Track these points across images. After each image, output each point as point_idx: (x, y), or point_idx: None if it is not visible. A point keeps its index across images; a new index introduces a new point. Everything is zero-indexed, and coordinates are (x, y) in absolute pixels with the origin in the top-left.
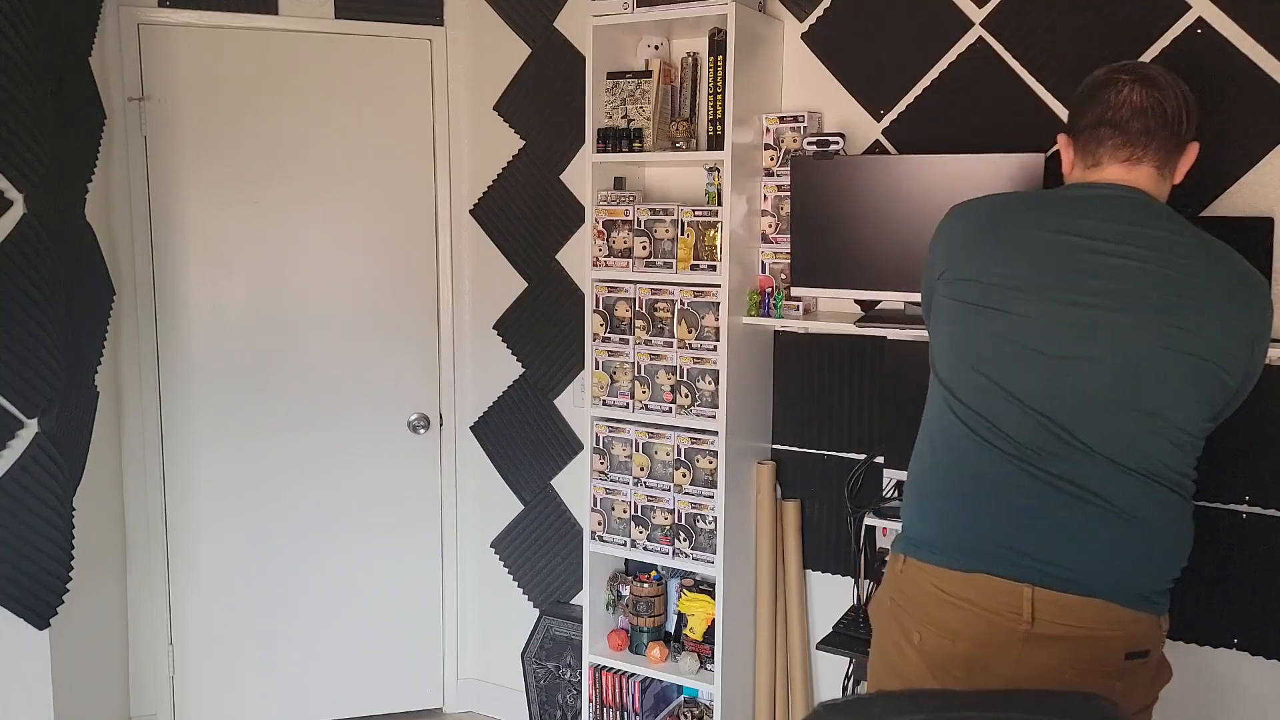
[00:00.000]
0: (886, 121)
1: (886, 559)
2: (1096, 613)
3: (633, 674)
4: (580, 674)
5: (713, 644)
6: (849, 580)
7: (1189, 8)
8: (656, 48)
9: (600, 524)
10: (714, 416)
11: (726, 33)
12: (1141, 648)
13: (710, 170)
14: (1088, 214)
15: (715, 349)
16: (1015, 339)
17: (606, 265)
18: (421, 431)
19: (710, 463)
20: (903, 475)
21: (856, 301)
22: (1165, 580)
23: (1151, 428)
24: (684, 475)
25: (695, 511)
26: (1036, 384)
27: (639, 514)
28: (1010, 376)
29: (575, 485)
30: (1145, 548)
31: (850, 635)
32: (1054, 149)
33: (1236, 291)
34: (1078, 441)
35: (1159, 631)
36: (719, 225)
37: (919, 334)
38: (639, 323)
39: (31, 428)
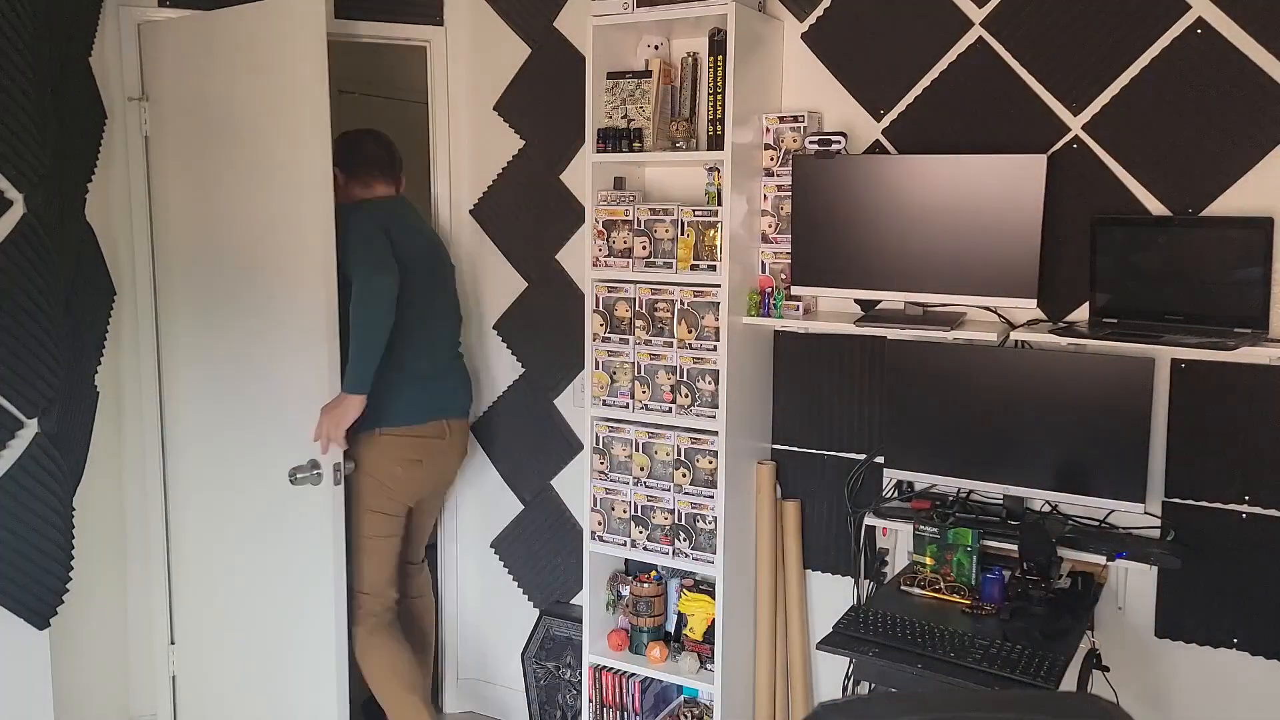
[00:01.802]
0: (886, 121)
1: (365, 443)
2: (465, 424)
3: (633, 674)
4: (580, 674)
5: (713, 644)
6: (849, 580)
7: (1189, 8)
8: (656, 48)
9: (600, 524)
10: (714, 416)
11: (726, 33)
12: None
13: (710, 170)
14: (404, 216)
15: (715, 349)
16: (428, 292)
17: (606, 265)
18: None
19: (710, 462)
20: (903, 475)
21: (856, 301)
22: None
23: (457, 315)
24: (684, 475)
25: (695, 511)
26: (437, 310)
27: (639, 514)
28: (425, 308)
29: (575, 485)
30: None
31: (850, 635)
32: (1054, 149)
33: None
34: (447, 332)
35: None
36: (719, 225)
37: (919, 334)
38: (639, 323)
39: (31, 428)
